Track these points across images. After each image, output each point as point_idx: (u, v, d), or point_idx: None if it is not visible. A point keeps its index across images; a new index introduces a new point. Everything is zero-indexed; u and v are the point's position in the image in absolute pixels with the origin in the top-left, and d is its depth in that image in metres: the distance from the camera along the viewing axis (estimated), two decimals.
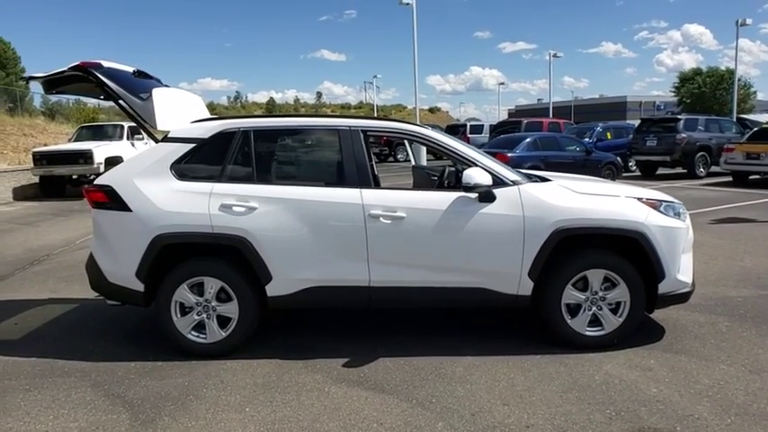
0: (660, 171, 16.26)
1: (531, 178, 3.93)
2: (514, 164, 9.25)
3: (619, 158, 13.62)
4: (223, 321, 3.75)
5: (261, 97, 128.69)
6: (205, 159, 3.82)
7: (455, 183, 4.47)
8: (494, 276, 3.67)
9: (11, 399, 3.25)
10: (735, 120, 20.76)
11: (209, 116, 4.32)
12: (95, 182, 3.88)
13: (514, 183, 3.71)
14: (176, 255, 3.74)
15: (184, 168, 3.77)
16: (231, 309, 3.72)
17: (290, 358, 3.73)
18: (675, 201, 3.95)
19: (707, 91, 48.25)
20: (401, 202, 3.65)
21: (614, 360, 3.60)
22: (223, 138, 3.81)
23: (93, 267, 3.89)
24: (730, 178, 13.89)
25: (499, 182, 3.68)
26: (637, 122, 18.34)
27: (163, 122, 3.88)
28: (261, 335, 3.95)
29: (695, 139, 15.04)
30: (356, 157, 3.74)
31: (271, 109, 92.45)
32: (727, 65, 50.21)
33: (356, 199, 3.64)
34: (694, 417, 2.91)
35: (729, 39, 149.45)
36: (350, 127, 3.83)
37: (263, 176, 3.80)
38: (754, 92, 51.43)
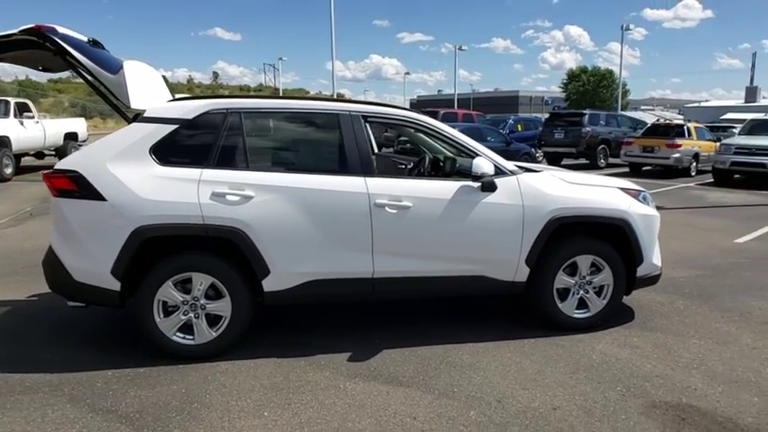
0: (564, 161, 17.49)
1: (521, 169, 4.02)
2: None
3: (533, 149, 14.45)
4: (212, 320, 3.45)
5: None
6: (190, 143, 3.47)
7: (434, 171, 4.44)
8: (494, 264, 3.73)
9: None
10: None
11: (187, 95, 3.92)
12: (57, 166, 3.37)
13: (512, 173, 3.78)
14: (159, 249, 3.37)
15: (166, 152, 3.39)
16: (222, 306, 3.44)
17: (288, 356, 3.52)
18: (644, 191, 4.25)
19: (590, 89, 52.81)
20: (406, 191, 3.56)
21: (603, 340, 3.81)
22: (210, 119, 3.48)
23: (53, 264, 3.39)
24: (627, 169, 15.29)
25: (499, 172, 3.72)
26: (539, 116, 19.55)
27: (136, 100, 3.47)
28: (248, 333, 3.68)
29: (597, 132, 16.39)
30: (359, 143, 3.59)
31: None
32: (601, 64, 55.28)
33: (361, 188, 3.50)
34: (692, 388, 3.17)
35: (603, 41, 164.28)
36: (350, 112, 3.66)
37: (257, 163, 3.53)
38: (628, 90, 57.15)
